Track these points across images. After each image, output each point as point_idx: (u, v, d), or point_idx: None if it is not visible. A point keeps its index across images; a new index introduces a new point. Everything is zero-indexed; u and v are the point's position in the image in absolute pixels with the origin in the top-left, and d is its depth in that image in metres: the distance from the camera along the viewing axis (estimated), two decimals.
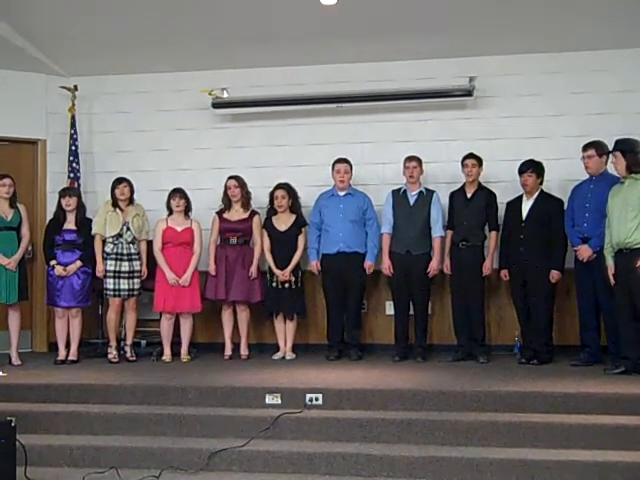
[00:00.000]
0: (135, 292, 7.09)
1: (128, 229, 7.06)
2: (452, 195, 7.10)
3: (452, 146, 7.38)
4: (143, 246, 7.20)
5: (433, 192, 7.09)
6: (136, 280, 7.06)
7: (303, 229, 7.24)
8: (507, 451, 4.92)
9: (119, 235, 7.03)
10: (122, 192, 7.10)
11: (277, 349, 7.23)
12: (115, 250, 7.01)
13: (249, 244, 7.28)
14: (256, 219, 7.26)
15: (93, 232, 7.07)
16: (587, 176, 6.61)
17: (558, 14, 6.56)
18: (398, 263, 7.00)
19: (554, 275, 6.60)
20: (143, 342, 7.57)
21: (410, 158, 7.06)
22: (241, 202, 7.25)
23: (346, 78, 7.66)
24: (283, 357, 7.14)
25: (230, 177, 7.28)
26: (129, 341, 7.14)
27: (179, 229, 7.17)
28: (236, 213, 7.26)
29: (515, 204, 6.85)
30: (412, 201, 7.05)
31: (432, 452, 4.93)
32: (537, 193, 6.75)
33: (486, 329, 7.08)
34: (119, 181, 7.15)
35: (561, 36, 7.02)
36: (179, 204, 7.18)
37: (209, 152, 7.95)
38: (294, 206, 7.24)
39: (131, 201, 7.18)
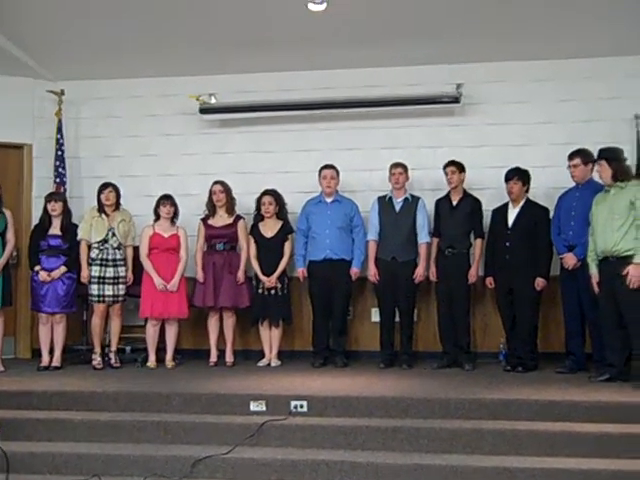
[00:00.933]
0: (120, 298, 7.06)
1: (114, 235, 7.04)
2: (438, 202, 7.10)
3: (439, 153, 7.38)
4: (129, 252, 7.18)
5: (419, 199, 7.10)
6: (121, 286, 7.04)
7: (289, 236, 7.24)
8: (491, 459, 4.91)
9: (105, 241, 7.01)
10: (107, 197, 7.08)
11: (262, 356, 7.22)
12: (100, 256, 6.98)
13: (236, 249, 7.27)
14: (241, 223, 7.26)
15: (79, 237, 7.04)
16: (573, 184, 6.63)
17: (545, 22, 6.58)
18: (384, 270, 7.00)
19: (539, 282, 6.61)
20: (128, 348, 7.51)
21: (396, 164, 7.07)
22: (225, 207, 7.25)
23: (334, 84, 7.67)
24: (268, 364, 7.12)
25: (215, 182, 7.28)
26: (113, 347, 7.11)
27: (166, 235, 7.16)
28: (220, 219, 7.25)
29: (501, 211, 6.86)
30: (398, 208, 7.06)
31: (416, 459, 4.93)
32: (523, 201, 6.76)
33: (471, 336, 7.08)
34: (104, 186, 7.13)
35: (548, 44, 7.04)
36: (169, 211, 7.18)
37: (197, 158, 7.95)
38: (281, 212, 7.24)
39: (117, 206, 7.15)
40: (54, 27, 6.86)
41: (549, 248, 6.66)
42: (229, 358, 7.21)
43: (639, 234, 5.77)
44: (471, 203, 6.95)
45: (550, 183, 7.09)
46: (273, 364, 7.11)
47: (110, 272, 6.98)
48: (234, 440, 5.18)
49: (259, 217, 7.26)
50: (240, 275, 7.13)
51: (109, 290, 6.97)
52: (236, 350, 7.34)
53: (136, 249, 7.20)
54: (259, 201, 7.23)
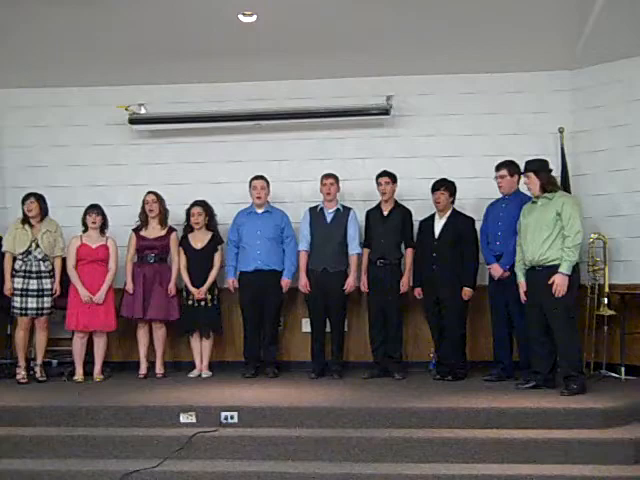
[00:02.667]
0: (45, 311, 6.89)
1: (37, 246, 6.88)
2: (369, 213, 7.13)
3: (369, 164, 7.43)
4: (57, 263, 7.02)
5: (350, 209, 7.14)
6: (46, 299, 6.87)
7: (219, 247, 7.21)
8: (421, 467, 4.97)
9: (28, 252, 6.85)
10: (29, 208, 6.92)
11: (193, 367, 7.16)
12: (24, 267, 6.83)
13: (166, 261, 7.20)
14: (173, 236, 7.21)
15: (3, 249, 6.90)
16: (500, 195, 6.74)
17: (474, 37, 6.69)
18: (315, 280, 7.01)
19: (466, 292, 6.69)
20: (54, 362, 7.36)
21: (327, 175, 7.10)
22: (158, 218, 7.19)
23: (265, 96, 7.67)
24: (199, 375, 7.08)
25: (149, 192, 7.24)
26: (39, 361, 6.94)
27: (94, 246, 7.03)
28: (153, 230, 7.19)
29: (428, 222, 6.93)
30: (329, 218, 7.09)
31: (347, 469, 4.96)
32: (449, 211, 6.84)
33: (402, 346, 7.11)
34: (27, 197, 6.97)
35: (477, 58, 7.17)
36: (95, 220, 7.05)
37: (126, 168, 7.86)
38: (210, 223, 7.22)
39: (43, 217, 7.00)
40: None
41: (475, 258, 6.76)
42: (159, 370, 7.13)
43: (565, 244, 5.90)
44: (402, 214, 7.00)
45: (478, 194, 7.20)
46: (204, 375, 7.06)
47: (34, 284, 6.83)
48: (163, 453, 5.14)
49: (189, 228, 7.21)
50: (171, 287, 7.07)
51: (32, 303, 6.81)
52: (167, 361, 7.29)
53: (64, 260, 7.05)
54: (188, 212, 7.19)
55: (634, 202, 7.02)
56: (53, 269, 6.98)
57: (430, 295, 6.84)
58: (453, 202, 6.89)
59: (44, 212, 7.01)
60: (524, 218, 6.21)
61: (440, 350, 6.87)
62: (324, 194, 7.11)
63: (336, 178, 7.11)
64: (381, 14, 6.33)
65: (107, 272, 7.01)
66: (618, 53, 6.96)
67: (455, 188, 6.87)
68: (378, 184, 7.02)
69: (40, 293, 6.85)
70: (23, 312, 6.81)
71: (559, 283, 5.87)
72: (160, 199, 7.22)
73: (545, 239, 5.97)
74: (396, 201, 7.08)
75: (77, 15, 6.33)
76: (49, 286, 6.91)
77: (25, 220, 6.93)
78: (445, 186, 6.82)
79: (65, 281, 7.03)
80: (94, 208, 7.09)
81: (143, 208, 7.22)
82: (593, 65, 7.26)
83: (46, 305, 6.88)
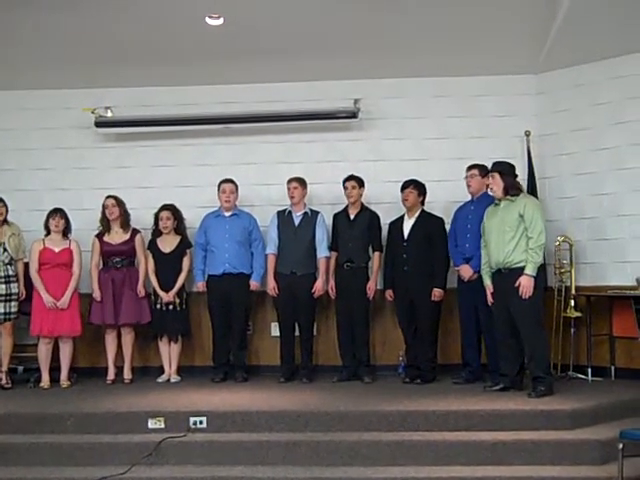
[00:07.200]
0: (12, 316, 6.80)
1: (5, 250, 6.81)
2: (335, 216, 7.13)
3: (337, 167, 7.42)
4: (20, 266, 6.95)
5: (318, 213, 7.13)
6: (13, 303, 6.80)
7: (188, 251, 7.18)
8: (391, 470, 4.98)
9: None
10: (0, 212, 6.84)
11: (162, 372, 7.12)
12: None
13: (134, 264, 7.15)
14: (138, 237, 7.17)
15: None
16: (469, 198, 6.78)
17: (441, 41, 6.73)
18: (283, 284, 7.00)
19: (435, 293, 6.69)
20: (20, 368, 7.28)
21: (290, 180, 7.10)
22: (120, 222, 7.14)
23: (232, 99, 7.65)
24: (168, 380, 7.04)
25: (108, 196, 7.18)
26: (4, 367, 6.84)
27: (57, 250, 6.95)
28: (117, 235, 7.13)
29: (397, 224, 6.94)
30: (297, 222, 7.08)
31: (317, 473, 4.95)
32: (418, 212, 6.86)
33: (371, 349, 7.12)
34: None
35: (444, 62, 7.19)
36: (58, 224, 6.98)
37: (92, 172, 7.78)
38: (179, 227, 7.19)
39: (6, 221, 6.92)
40: None
41: (445, 258, 6.77)
42: (127, 375, 7.08)
43: (529, 245, 5.94)
44: (369, 217, 7.01)
45: (447, 197, 7.24)
46: (173, 380, 7.03)
47: (2, 289, 6.74)
48: (131, 459, 5.10)
49: (157, 232, 7.17)
50: (139, 288, 7.03)
51: (0, 307, 6.74)
52: (135, 366, 7.24)
53: (27, 264, 6.97)
54: (157, 216, 7.15)
55: (599, 205, 7.10)
56: (17, 273, 6.91)
57: (402, 297, 6.83)
58: (423, 203, 6.91)
59: (7, 216, 6.94)
60: (487, 220, 6.24)
61: (411, 353, 6.87)
62: (289, 197, 7.10)
63: (300, 181, 7.09)
64: (349, 18, 6.34)
65: (71, 276, 6.94)
66: (582, 57, 7.03)
67: (424, 188, 6.89)
68: (345, 188, 7.02)
69: (8, 298, 6.77)
70: None
71: (525, 285, 5.90)
72: (119, 202, 7.16)
73: (509, 241, 5.99)
74: (362, 204, 7.08)
75: (43, 18, 6.27)
76: (16, 290, 6.85)
77: None
78: (414, 184, 6.84)
79: (29, 285, 6.95)
80: (57, 212, 7.01)
81: (103, 213, 7.16)
82: (558, 69, 7.33)
83: (13, 310, 6.81)
